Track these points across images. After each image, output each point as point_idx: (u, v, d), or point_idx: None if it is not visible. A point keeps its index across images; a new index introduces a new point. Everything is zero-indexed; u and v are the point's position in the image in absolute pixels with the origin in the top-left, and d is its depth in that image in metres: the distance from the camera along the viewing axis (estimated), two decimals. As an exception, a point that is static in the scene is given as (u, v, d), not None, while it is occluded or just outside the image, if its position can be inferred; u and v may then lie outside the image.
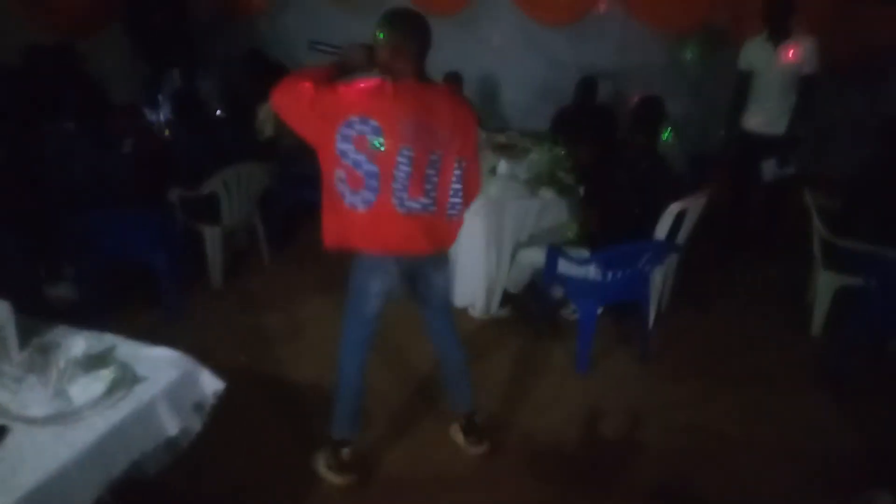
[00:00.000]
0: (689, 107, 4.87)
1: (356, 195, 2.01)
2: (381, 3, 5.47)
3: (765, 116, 3.99)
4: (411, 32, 2.01)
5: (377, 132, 1.94)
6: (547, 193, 3.56)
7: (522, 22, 5.29)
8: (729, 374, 3.21)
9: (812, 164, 4.21)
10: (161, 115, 4.31)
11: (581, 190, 3.54)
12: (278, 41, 5.69)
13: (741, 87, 4.06)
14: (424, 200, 2.05)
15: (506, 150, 4.02)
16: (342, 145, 1.96)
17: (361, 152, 1.96)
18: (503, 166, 3.69)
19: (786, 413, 2.91)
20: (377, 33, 2.01)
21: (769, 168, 3.95)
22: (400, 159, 1.97)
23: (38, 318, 1.90)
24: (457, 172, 2.09)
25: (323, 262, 3.98)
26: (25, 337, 1.77)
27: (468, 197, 2.23)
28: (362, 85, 1.98)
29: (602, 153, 3.90)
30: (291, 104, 1.97)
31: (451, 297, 2.53)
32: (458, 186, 2.11)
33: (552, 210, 3.59)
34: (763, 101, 3.99)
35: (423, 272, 2.28)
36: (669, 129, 3.59)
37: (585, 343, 3.14)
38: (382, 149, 1.96)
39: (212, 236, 3.75)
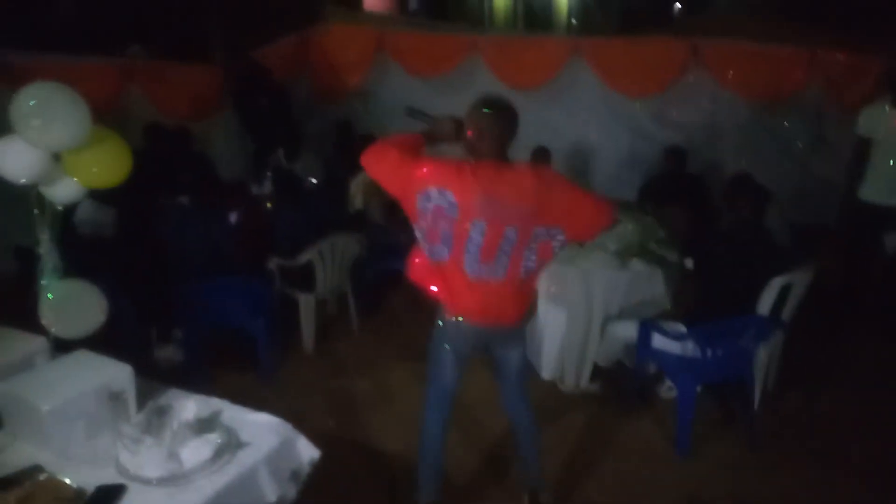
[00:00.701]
0: (790, 175, 4.68)
1: (433, 249, 2.14)
2: (469, 82, 5.71)
3: (886, 186, 3.77)
4: (499, 120, 2.11)
5: (453, 207, 2.05)
6: (637, 265, 3.47)
7: (606, 93, 5.35)
8: (852, 463, 2.90)
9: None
10: (264, 189, 4.61)
11: (678, 259, 3.42)
12: (369, 117, 6.03)
13: (859, 155, 3.86)
14: (494, 266, 2.12)
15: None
16: (422, 208, 2.09)
17: (439, 221, 2.08)
18: (591, 236, 3.63)
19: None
20: (468, 115, 2.13)
21: (893, 241, 3.69)
22: (473, 232, 2.07)
23: (151, 379, 2.02)
24: (533, 246, 2.12)
25: (407, 331, 4.09)
26: (141, 398, 1.88)
27: (598, 226, 2.22)
28: (443, 162, 2.10)
29: (695, 223, 3.79)
30: (378, 166, 2.17)
31: (527, 373, 2.54)
32: (532, 256, 2.15)
33: (643, 282, 3.47)
34: (884, 170, 3.77)
35: (496, 345, 2.33)
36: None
37: (685, 424, 2.95)
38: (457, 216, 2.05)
39: (306, 303, 3.90)
